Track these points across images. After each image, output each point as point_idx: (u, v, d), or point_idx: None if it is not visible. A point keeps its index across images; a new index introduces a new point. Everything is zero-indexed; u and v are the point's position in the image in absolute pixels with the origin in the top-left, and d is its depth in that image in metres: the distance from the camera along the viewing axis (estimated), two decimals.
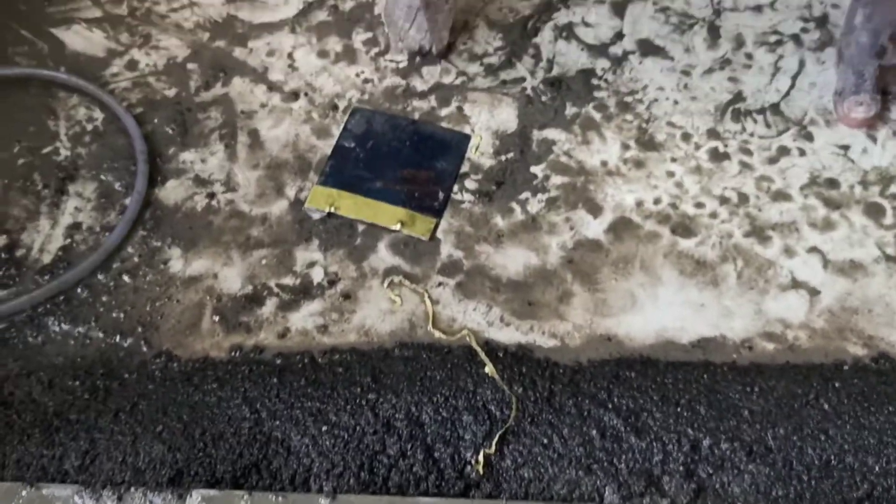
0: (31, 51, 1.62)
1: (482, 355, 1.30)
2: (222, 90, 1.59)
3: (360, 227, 1.45)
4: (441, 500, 1.11)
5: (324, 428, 1.22)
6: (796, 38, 1.69)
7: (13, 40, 1.63)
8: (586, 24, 1.71)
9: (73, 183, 1.47)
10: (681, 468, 1.20)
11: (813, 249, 1.43)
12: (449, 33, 1.58)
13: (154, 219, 1.44)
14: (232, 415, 1.24)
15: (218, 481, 1.17)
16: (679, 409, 1.25)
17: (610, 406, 1.25)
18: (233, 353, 1.31)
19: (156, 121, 1.54)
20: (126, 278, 1.37)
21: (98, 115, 1.55)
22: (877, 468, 1.20)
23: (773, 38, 1.69)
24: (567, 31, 1.69)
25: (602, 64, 1.64)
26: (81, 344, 1.31)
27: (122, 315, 1.34)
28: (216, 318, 1.34)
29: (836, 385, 1.28)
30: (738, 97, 1.60)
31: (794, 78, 1.63)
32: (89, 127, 1.54)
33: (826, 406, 1.26)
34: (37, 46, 1.63)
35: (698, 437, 1.22)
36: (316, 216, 1.44)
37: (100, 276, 1.37)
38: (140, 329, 1.33)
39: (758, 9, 1.73)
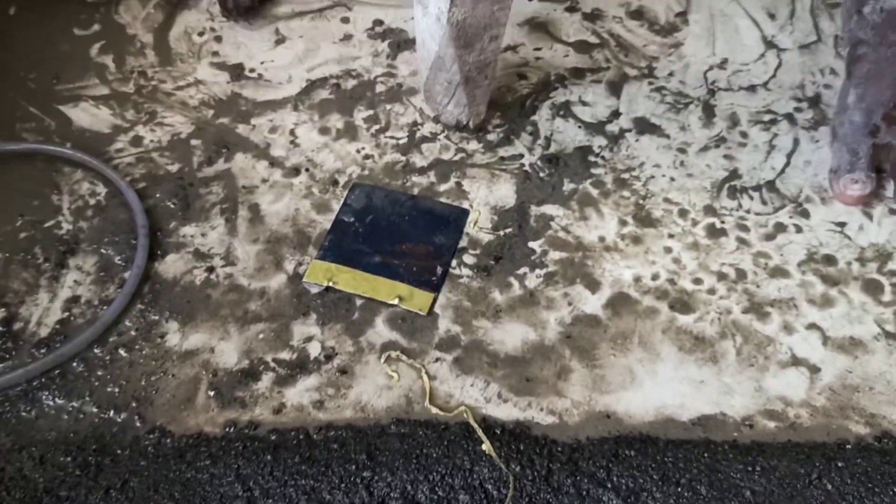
0: (39, 127, 1.65)
1: (479, 432, 1.28)
2: (224, 165, 1.61)
3: (358, 302, 1.45)
4: None
5: None
6: (790, 118, 1.71)
7: (21, 117, 1.67)
8: (583, 103, 1.74)
9: (73, 256, 1.47)
10: None
11: (812, 326, 1.42)
12: (486, 108, 1.63)
13: (153, 292, 1.44)
14: (224, 493, 1.22)
15: None
16: (680, 489, 1.23)
17: (609, 486, 1.23)
18: (227, 429, 1.29)
19: (158, 195, 1.56)
20: (122, 352, 1.37)
21: (101, 189, 1.57)
22: None
23: (767, 118, 1.71)
24: (564, 110, 1.72)
25: (599, 141, 1.66)
26: (75, 419, 1.30)
27: (116, 389, 1.33)
28: (211, 393, 1.33)
29: (839, 465, 1.26)
30: (734, 174, 1.62)
31: (789, 156, 1.65)
32: (92, 201, 1.55)
33: (829, 486, 1.23)
34: (44, 123, 1.66)
35: None
36: (314, 290, 1.45)
37: (96, 350, 1.37)
38: (134, 404, 1.31)
39: (751, 89, 1.76)
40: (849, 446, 1.28)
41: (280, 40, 1.84)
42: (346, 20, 1.88)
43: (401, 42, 1.84)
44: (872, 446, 1.28)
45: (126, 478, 1.23)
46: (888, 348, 1.39)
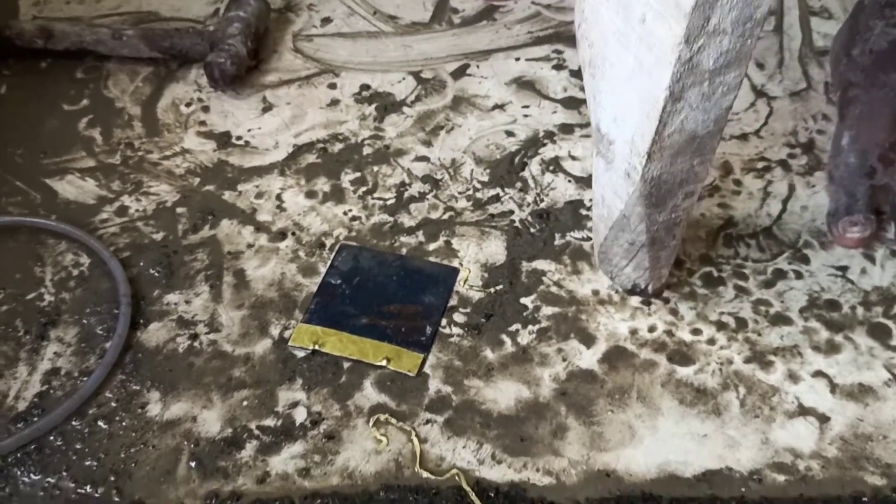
0: (24, 200, 1.65)
1: (472, 496, 1.22)
2: (210, 232, 1.59)
3: (346, 365, 1.40)
4: None
5: None
6: (784, 164, 1.69)
7: (7, 192, 1.66)
8: (573, 157, 1.72)
9: (54, 328, 1.44)
10: None
11: (818, 374, 1.36)
12: (668, 271, 1.44)
13: (134, 362, 1.40)
14: None
15: None
16: None
17: None
18: (208, 501, 1.23)
19: (142, 264, 1.54)
20: (101, 424, 1.32)
21: (85, 260, 1.55)
22: None
23: (760, 165, 1.69)
24: (554, 165, 1.70)
25: (590, 195, 1.63)
26: (50, 495, 1.24)
27: (94, 463, 1.28)
28: (193, 464, 1.28)
29: None
30: (730, 222, 1.59)
31: (785, 202, 1.62)
32: (75, 272, 1.53)
33: None
34: (30, 196, 1.65)
35: None
36: (300, 354, 1.40)
37: (74, 423, 1.32)
38: (112, 478, 1.26)
39: (743, 137, 1.74)
40: (865, 499, 1.21)
41: (267, 108, 1.84)
42: (332, 86, 1.89)
43: (388, 105, 1.84)
44: (891, 498, 1.21)
45: None
46: None
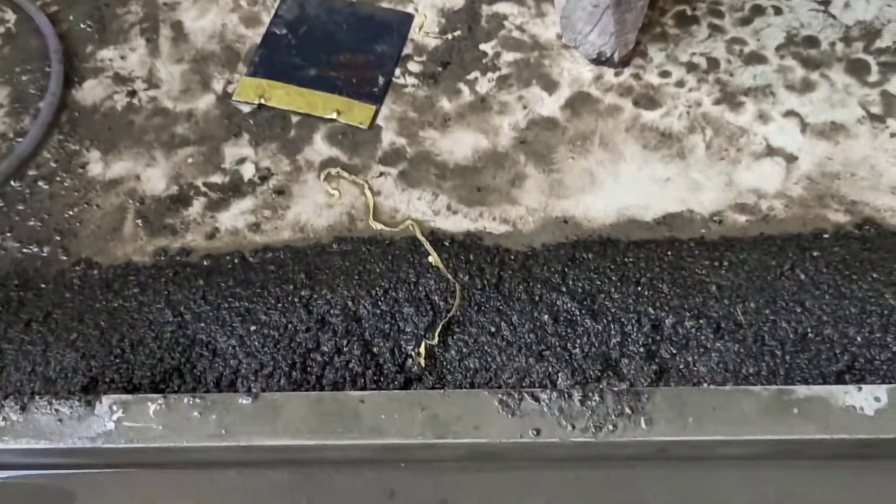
0: None
1: (426, 245, 1.19)
2: None
3: (294, 119, 1.33)
4: (370, 394, 1.01)
5: (252, 328, 1.13)
6: None
7: None
8: None
9: None
10: (641, 350, 1.09)
11: (790, 113, 1.30)
12: (636, 36, 1.32)
13: (71, 121, 1.33)
14: (153, 319, 1.14)
15: (136, 388, 1.08)
16: (640, 289, 1.14)
17: (564, 289, 1.15)
18: (157, 257, 1.21)
19: (71, 18, 1.43)
20: (42, 185, 1.27)
21: (10, 16, 1.43)
22: (858, 338, 1.09)
23: None
24: None
25: None
26: None
27: (38, 223, 1.24)
28: (139, 222, 1.24)
29: (815, 254, 1.16)
30: None
31: None
32: (1, 30, 1.42)
33: (802, 276, 1.14)
34: None
35: (660, 317, 1.12)
36: (245, 109, 1.33)
37: (14, 184, 1.27)
38: (58, 237, 1.23)
39: None
40: (826, 236, 1.19)
41: None
42: None
43: None
44: (852, 234, 1.18)
45: (49, 310, 1.15)
46: (873, 131, 1.27)
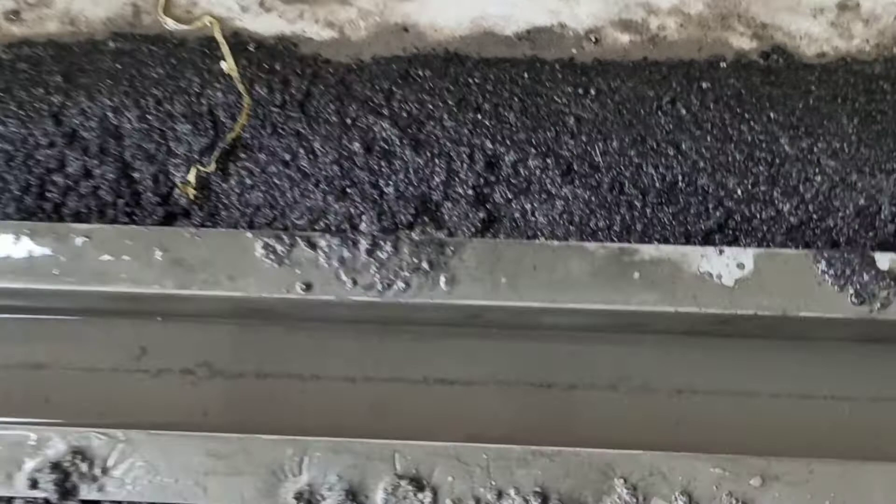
0: None
1: (224, 48, 0.94)
2: None
3: None
4: (97, 228, 0.79)
5: None
6: None
7: None
8: None
9: None
10: (469, 192, 0.87)
11: None
12: None
13: None
14: None
15: None
16: (480, 117, 0.91)
17: (386, 112, 0.91)
18: None
19: None
20: None
21: None
22: (739, 191, 0.87)
23: None
24: None
25: None
26: None
27: None
28: None
29: (704, 86, 0.93)
30: None
31: None
32: None
33: (684, 112, 0.91)
34: None
35: (499, 153, 0.89)
36: None
37: None
38: None
39: None
40: (724, 64, 0.95)
41: None
42: None
43: None
44: (755, 64, 0.95)
45: None
46: None
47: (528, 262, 0.76)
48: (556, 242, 0.78)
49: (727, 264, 0.76)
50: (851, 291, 0.75)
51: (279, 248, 0.76)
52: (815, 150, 0.88)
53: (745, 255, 0.76)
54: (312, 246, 0.77)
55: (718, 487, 0.73)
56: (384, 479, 0.73)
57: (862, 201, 0.86)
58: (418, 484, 0.73)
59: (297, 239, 0.77)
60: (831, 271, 0.76)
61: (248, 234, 0.77)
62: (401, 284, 0.76)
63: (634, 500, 0.73)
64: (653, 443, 0.76)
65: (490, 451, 0.73)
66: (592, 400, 0.83)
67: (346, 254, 0.77)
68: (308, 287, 0.76)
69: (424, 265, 0.76)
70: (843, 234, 0.85)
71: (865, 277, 0.75)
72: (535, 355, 0.84)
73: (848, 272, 0.76)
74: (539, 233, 0.86)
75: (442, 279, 0.76)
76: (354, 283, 0.76)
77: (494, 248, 0.77)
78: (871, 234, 0.85)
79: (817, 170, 0.88)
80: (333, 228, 0.85)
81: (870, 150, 0.88)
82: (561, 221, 0.86)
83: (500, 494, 0.73)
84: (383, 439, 0.74)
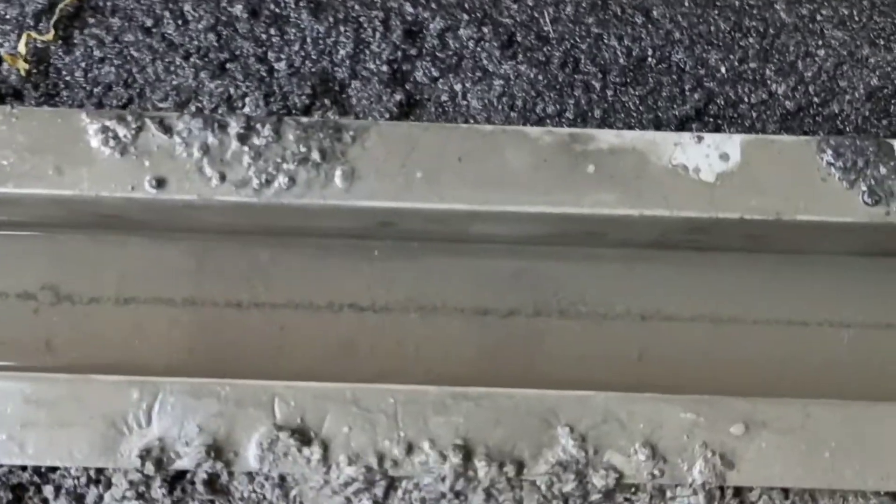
0: None
1: None
2: None
3: None
4: None
5: None
6: None
7: None
8: None
9: None
10: (384, 68, 0.69)
11: None
12: None
13: None
14: None
15: None
16: None
17: None
18: None
19: None
20: None
21: None
22: (722, 69, 0.70)
23: None
24: None
25: None
26: None
27: None
28: None
29: None
30: None
31: None
32: None
33: None
34: None
35: (423, 19, 0.70)
36: None
37: None
38: None
39: None
40: None
41: None
42: None
43: None
44: None
45: None
46: None
47: (452, 151, 0.59)
48: (488, 126, 0.60)
49: (707, 155, 0.59)
50: (864, 188, 0.59)
51: (122, 131, 0.58)
52: (818, 17, 0.71)
53: (731, 144, 0.59)
54: (166, 129, 0.58)
55: (690, 437, 0.57)
56: (259, 431, 0.56)
57: (875, 81, 0.69)
58: (303, 436, 0.56)
59: (146, 120, 0.58)
60: (839, 163, 0.59)
61: (82, 115, 0.58)
62: (283, 180, 0.58)
63: (583, 454, 0.57)
64: (608, 382, 0.60)
65: (398, 393, 0.57)
66: (535, 329, 0.66)
67: (210, 140, 0.58)
68: (161, 183, 0.57)
69: (315, 155, 0.58)
70: (851, 122, 0.69)
71: (882, 170, 0.59)
72: (466, 275, 0.67)
73: (860, 164, 0.59)
74: (472, 120, 0.68)
75: (338, 173, 0.58)
76: (222, 178, 0.58)
77: (408, 133, 0.59)
78: (884, 121, 0.68)
79: (820, 42, 0.70)
80: (207, 114, 0.66)
81: (885, 19, 0.71)
82: (499, 106, 0.68)
83: (410, 448, 0.56)
84: (259, 380, 0.57)
